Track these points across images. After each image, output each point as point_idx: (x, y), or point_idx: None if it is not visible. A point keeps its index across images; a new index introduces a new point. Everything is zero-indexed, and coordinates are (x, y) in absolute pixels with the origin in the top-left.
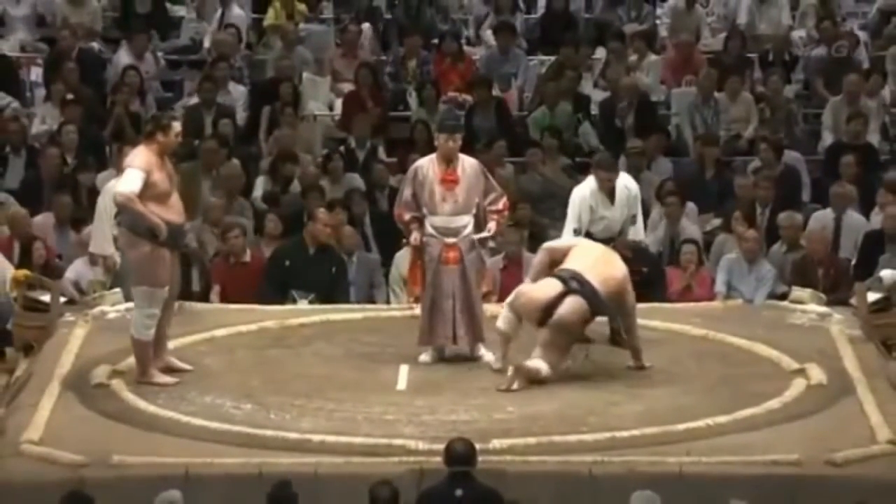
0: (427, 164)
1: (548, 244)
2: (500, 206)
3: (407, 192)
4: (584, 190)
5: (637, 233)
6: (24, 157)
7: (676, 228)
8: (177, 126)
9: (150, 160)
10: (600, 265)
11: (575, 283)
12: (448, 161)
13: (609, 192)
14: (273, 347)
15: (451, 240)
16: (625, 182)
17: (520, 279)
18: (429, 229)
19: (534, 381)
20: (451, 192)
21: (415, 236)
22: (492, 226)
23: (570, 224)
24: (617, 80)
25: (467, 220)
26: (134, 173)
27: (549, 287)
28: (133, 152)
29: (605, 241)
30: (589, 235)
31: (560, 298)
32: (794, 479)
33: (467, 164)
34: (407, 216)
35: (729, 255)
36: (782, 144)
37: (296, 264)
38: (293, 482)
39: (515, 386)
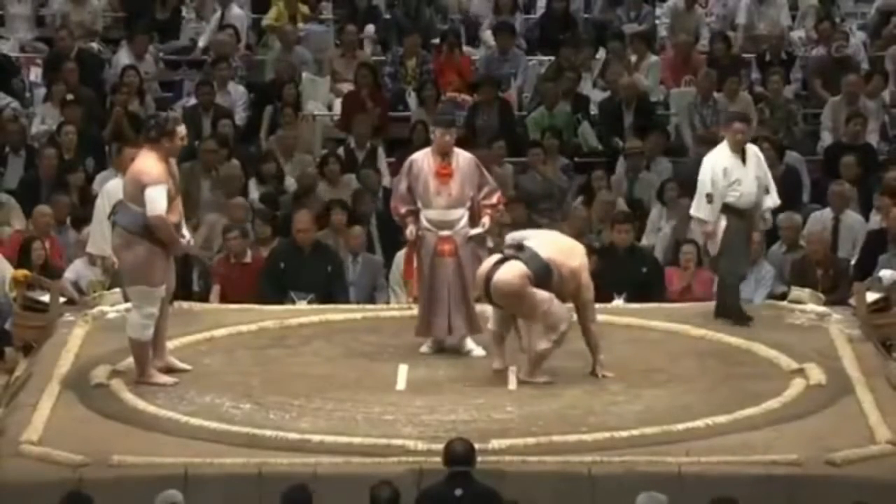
0: (422, 158)
1: (510, 234)
2: (494, 200)
3: (402, 186)
4: (715, 155)
5: (773, 200)
6: (24, 157)
7: (686, 231)
8: (181, 130)
9: (162, 170)
10: (553, 247)
11: (510, 251)
12: (443, 155)
13: (742, 150)
14: (273, 347)
15: (445, 232)
16: (754, 150)
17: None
18: (424, 222)
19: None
20: (445, 185)
21: (410, 229)
22: (486, 220)
23: (701, 189)
24: (616, 81)
25: (461, 214)
26: (158, 191)
27: (487, 261)
28: (144, 161)
29: (743, 211)
30: (727, 208)
31: (497, 267)
32: (793, 479)
33: (462, 157)
34: (403, 209)
35: None
36: (783, 144)
37: (291, 265)
38: (292, 482)
39: (541, 379)
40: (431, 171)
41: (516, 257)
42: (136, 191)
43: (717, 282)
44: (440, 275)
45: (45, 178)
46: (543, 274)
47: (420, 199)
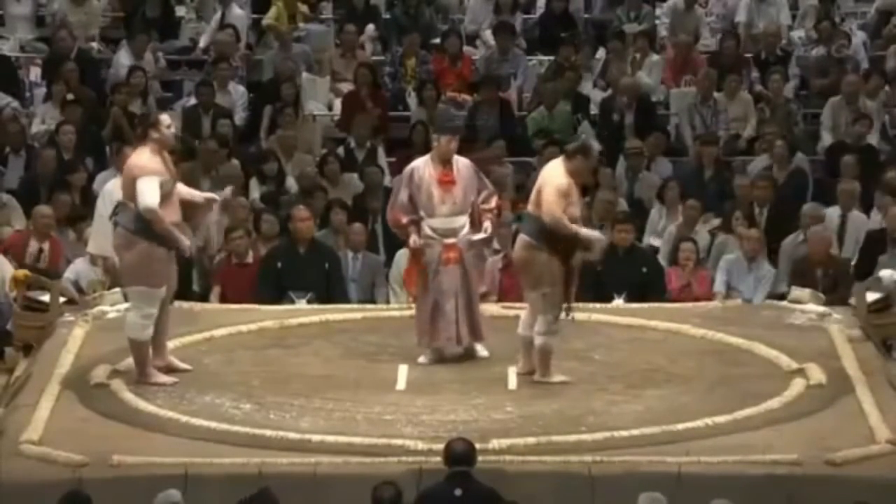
0: (422, 166)
1: None
2: (493, 204)
3: (403, 195)
4: None
5: None
6: (24, 157)
7: (690, 232)
8: (165, 119)
9: (156, 162)
10: (536, 194)
11: (516, 223)
12: (445, 162)
13: None
14: (273, 347)
15: (450, 240)
16: None
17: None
18: (427, 231)
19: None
20: (449, 193)
21: (414, 239)
22: (487, 225)
23: None
24: (617, 80)
25: (464, 220)
26: (150, 183)
27: None
28: (139, 156)
29: None
30: None
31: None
32: (794, 479)
33: (461, 164)
34: (404, 219)
35: (728, 256)
36: (793, 144)
37: (288, 265)
38: (292, 482)
39: (556, 379)
40: (434, 179)
41: (521, 230)
42: (132, 187)
43: None
44: (446, 283)
45: (44, 178)
46: (540, 231)
47: (423, 208)
